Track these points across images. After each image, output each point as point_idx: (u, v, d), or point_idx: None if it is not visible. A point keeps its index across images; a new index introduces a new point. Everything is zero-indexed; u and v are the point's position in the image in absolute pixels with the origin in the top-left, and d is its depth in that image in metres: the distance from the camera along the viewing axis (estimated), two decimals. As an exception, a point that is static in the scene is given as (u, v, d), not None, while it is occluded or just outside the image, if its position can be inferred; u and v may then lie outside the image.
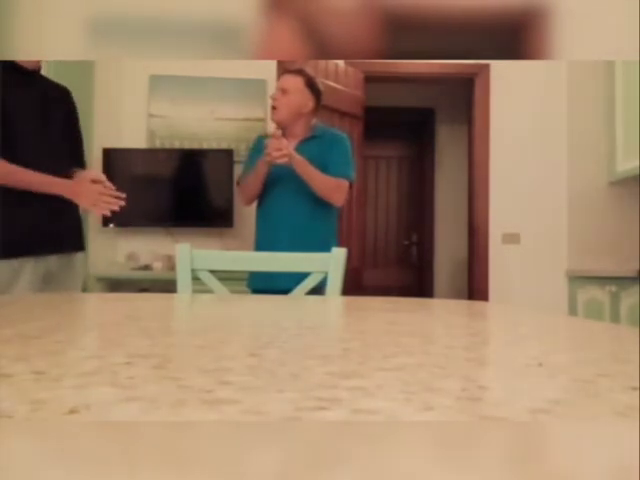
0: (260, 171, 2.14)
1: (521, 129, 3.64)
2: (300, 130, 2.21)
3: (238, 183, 2.32)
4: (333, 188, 2.15)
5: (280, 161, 2.03)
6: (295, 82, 2.19)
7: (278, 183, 2.17)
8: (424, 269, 5.06)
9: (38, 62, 1.95)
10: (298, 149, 2.15)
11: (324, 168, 2.13)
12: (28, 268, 1.83)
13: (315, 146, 2.18)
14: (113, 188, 1.83)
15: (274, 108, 2.18)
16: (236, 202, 3.41)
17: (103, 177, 1.84)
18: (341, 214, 3.35)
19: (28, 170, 1.78)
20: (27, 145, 1.86)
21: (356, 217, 3.45)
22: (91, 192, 1.80)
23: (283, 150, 2.02)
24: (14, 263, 1.81)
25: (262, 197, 2.25)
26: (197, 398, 0.25)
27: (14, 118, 1.85)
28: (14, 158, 1.80)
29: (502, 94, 3.63)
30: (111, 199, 1.81)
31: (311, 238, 2.14)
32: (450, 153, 4.98)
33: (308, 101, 2.20)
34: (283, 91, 2.17)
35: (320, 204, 2.16)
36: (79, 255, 2.01)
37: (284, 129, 2.21)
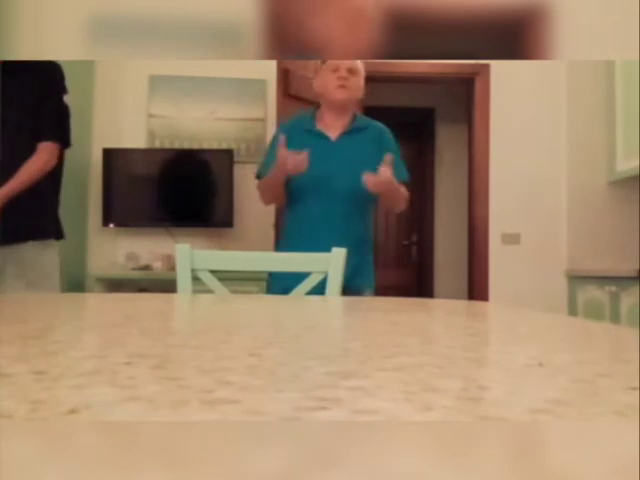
0: (277, 179, 1.87)
1: (521, 129, 3.64)
2: (347, 119, 1.97)
3: (258, 177, 2.00)
4: (405, 200, 1.96)
5: (294, 172, 1.79)
6: (362, 66, 1.97)
7: (313, 183, 1.90)
8: (424, 269, 5.06)
9: None
10: (342, 141, 1.93)
11: (374, 166, 1.88)
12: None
13: (361, 140, 1.95)
14: None
15: (342, 87, 1.90)
16: (236, 202, 3.41)
17: None
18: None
19: None
20: None
21: (356, 217, 3.45)
22: None
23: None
24: None
25: (293, 197, 1.97)
26: (197, 398, 0.25)
27: None
28: None
29: (502, 94, 3.63)
30: None
31: (350, 241, 1.87)
32: (450, 153, 4.98)
33: (363, 88, 2.00)
34: (352, 72, 1.92)
35: (357, 205, 1.93)
36: (29, 244, 1.91)
37: (333, 114, 1.95)
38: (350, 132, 1.94)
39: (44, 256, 1.92)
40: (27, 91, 1.91)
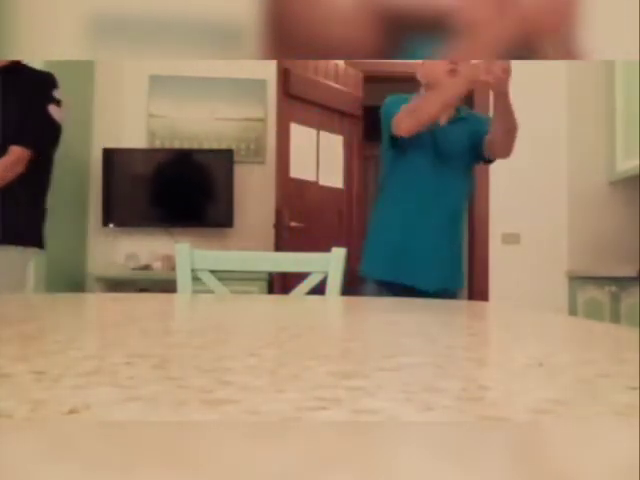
0: (453, 94, 1.78)
1: (521, 129, 3.63)
2: (450, 110, 1.99)
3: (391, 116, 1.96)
4: (515, 130, 1.90)
5: (497, 85, 1.68)
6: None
7: (420, 155, 1.88)
8: (424, 269, 5.05)
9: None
10: (447, 129, 1.95)
11: (479, 153, 1.92)
12: None
13: (465, 128, 1.97)
14: None
15: (452, 71, 1.91)
16: (236, 202, 3.41)
17: None
18: (341, 214, 3.35)
19: None
20: None
21: (356, 217, 3.45)
22: None
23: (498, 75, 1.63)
24: None
25: (393, 170, 1.94)
26: (197, 398, 0.24)
27: None
28: None
29: (502, 94, 3.63)
30: None
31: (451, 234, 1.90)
32: (450, 153, 4.97)
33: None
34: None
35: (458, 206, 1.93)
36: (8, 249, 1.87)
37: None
38: (455, 120, 1.97)
39: (15, 262, 1.87)
40: (12, 97, 1.88)
